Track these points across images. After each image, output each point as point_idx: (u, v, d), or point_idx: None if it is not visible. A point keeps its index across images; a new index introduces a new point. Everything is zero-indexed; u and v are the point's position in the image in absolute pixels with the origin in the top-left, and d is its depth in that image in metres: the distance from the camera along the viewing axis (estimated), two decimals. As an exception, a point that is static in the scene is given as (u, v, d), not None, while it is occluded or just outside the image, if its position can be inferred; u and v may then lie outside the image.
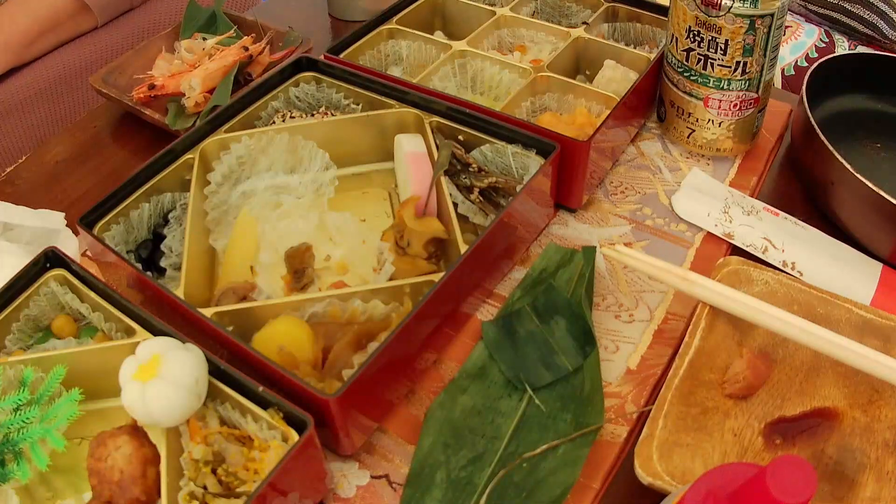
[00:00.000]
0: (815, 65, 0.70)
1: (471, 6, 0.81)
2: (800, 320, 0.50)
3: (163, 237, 0.59)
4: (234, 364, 0.46)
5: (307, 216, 0.62)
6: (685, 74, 0.65)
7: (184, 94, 0.77)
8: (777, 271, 0.56)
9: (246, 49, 0.81)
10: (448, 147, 0.61)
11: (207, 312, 0.50)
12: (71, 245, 0.62)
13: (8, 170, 0.76)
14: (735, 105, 0.65)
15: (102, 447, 0.44)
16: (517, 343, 0.54)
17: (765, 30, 0.60)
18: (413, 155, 0.62)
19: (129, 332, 0.50)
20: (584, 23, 0.77)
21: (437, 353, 0.56)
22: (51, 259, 0.54)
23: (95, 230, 0.56)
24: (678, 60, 0.65)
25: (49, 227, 0.63)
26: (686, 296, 0.55)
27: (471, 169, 0.61)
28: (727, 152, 0.69)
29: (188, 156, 0.62)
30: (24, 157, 0.77)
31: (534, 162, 0.61)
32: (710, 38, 0.61)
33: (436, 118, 0.64)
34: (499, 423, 0.51)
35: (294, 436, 0.43)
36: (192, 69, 0.80)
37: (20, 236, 0.63)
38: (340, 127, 0.66)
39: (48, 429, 0.46)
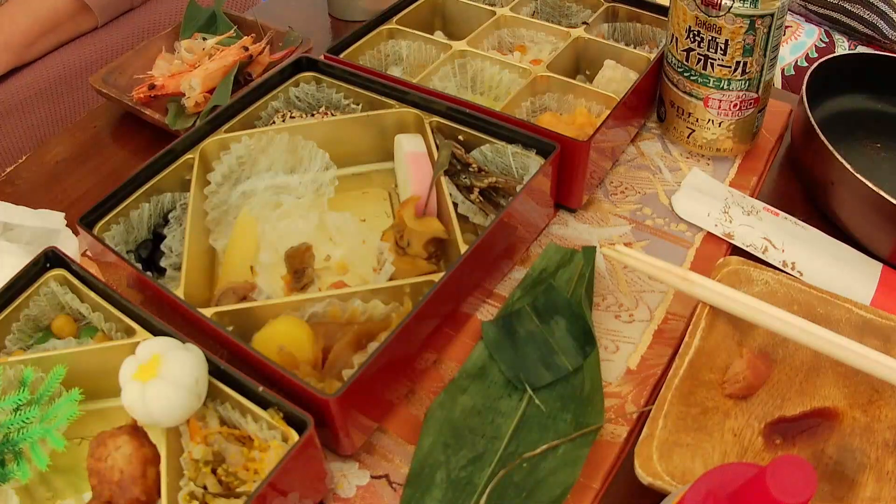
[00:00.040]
0: (815, 65, 0.70)
1: (471, 6, 0.81)
2: (800, 320, 0.50)
3: (163, 237, 0.59)
4: (234, 364, 0.46)
5: (307, 216, 0.62)
6: (685, 74, 0.65)
7: (184, 94, 0.77)
8: (777, 271, 0.56)
9: (246, 49, 0.81)
10: (448, 147, 0.61)
11: (207, 312, 0.50)
12: (71, 245, 0.62)
13: (8, 170, 0.76)
14: (735, 105, 0.65)
15: (102, 447, 0.44)
16: (517, 343, 0.54)
17: (765, 30, 0.60)
18: (413, 155, 0.62)
19: (129, 332, 0.50)
20: (584, 23, 0.77)
21: (437, 353, 0.56)
22: (51, 259, 0.54)
23: (95, 230, 0.56)
24: (678, 60, 0.65)
25: (49, 227, 0.63)
26: (686, 296, 0.55)
27: (471, 169, 0.61)
28: (727, 152, 0.69)
29: (188, 156, 0.62)
30: (24, 157, 0.77)
31: (534, 162, 0.61)
32: (710, 38, 0.61)
33: (436, 118, 0.64)
34: (499, 423, 0.51)
35: (294, 436, 0.43)
36: (192, 69, 0.80)
37: (20, 236, 0.63)
38: (340, 127, 0.66)
39: (48, 429, 0.46)
